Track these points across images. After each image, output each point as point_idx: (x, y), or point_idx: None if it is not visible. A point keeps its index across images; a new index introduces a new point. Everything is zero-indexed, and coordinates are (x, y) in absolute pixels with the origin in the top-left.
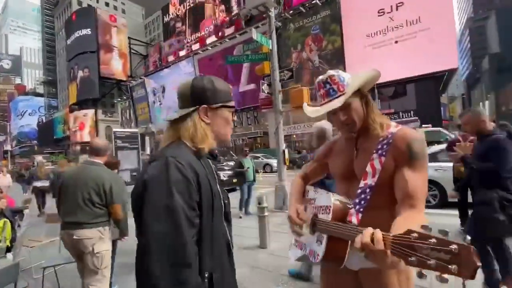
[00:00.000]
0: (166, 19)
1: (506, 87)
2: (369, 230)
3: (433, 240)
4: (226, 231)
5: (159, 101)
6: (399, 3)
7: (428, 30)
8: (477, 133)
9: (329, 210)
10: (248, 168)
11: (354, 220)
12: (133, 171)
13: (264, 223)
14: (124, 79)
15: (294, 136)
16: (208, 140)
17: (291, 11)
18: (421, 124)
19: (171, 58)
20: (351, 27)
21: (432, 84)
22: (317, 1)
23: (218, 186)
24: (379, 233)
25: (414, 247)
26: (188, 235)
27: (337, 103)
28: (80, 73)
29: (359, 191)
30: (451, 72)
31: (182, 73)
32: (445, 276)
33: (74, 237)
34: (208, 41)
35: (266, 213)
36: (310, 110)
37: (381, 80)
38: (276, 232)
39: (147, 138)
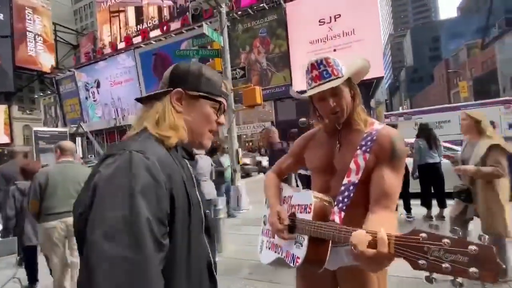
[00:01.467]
0: (103, 5)
1: (417, 95)
2: (362, 232)
3: (447, 240)
4: (208, 250)
5: (93, 97)
6: (337, 15)
7: (362, 41)
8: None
9: (310, 209)
10: (228, 166)
11: (336, 218)
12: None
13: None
14: (49, 71)
15: (245, 136)
16: (179, 130)
17: (239, 12)
18: None
19: (108, 50)
20: (296, 33)
21: (363, 90)
22: (265, 5)
23: (198, 193)
24: (384, 234)
25: (423, 249)
26: (154, 263)
27: (331, 84)
28: None
29: (342, 188)
30: (378, 80)
31: (121, 67)
32: (460, 280)
33: (70, 221)
34: (152, 34)
35: (221, 216)
36: (296, 93)
37: None
38: (231, 234)
39: (78, 139)
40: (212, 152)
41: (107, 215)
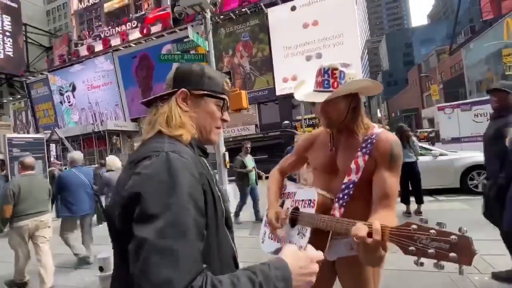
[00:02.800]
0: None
1: (393, 97)
2: (361, 223)
3: (433, 231)
4: (231, 241)
5: (68, 101)
6: (316, 21)
7: (341, 46)
8: None
9: (314, 204)
10: (254, 167)
11: (337, 213)
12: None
13: None
14: (18, 74)
15: (231, 139)
16: (187, 127)
17: (221, 16)
18: None
19: (84, 52)
20: (278, 38)
21: None
22: (247, 10)
23: (216, 187)
24: (377, 224)
25: (413, 238)
26: (199, 253)
27: (319, 98)
28: None
29: (343, 186)
30: None
31: (99, 70)
32: (442, 263)
33: (41, 220)
34: (131, 37)
35: None
36: (298, 93)
37: None
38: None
39: (52, 145)
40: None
41: (155, 212)
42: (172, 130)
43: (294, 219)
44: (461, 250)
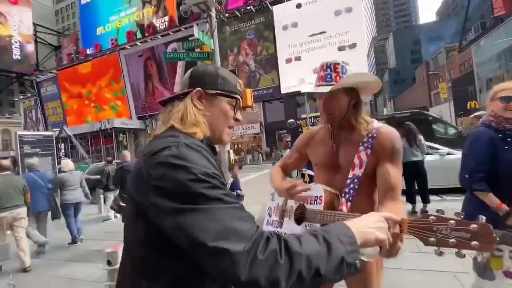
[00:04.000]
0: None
1: (400, 96)
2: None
3: (453, 221)
4: None
5: None
6: (323, 18)
7: (347, 44)
8: None
9: (321, 200)
10: None
11: (344, 208)
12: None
13: None
14: (28, 72)
15: (233, 137)
16: (201, 125)
17: (226, 14)
18: None
19: (91, 51)
20: (283, 36)
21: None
22: (252, 8)
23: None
24: (395, 217)
25: (433, 229)
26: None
27: (324, 89)
28: None
29: (348, 181)
30: None
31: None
32: (463, 251)
33: (17, 212)
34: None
35: None
36: (304, 87)
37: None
38: None
39: (62, 145)
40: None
41: (192, 192)
42: (187, 127)
43: (300, 216)
44: (482, 238)
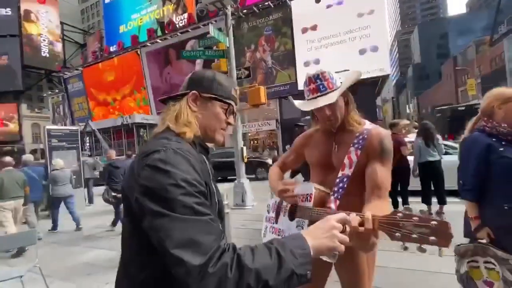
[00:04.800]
0: None
1: (425, 92)
2: (354, 214)
3: (416, 218)
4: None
5: None
6: (342, 11)
7: (368, 39)
8: None
9: (311, 197)
10: None
11: (333, 206)
12: (72, 174)
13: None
14: (56, 69)
15: (249, 134)
16: (192, 126)
17: (244, 10)
18: None
19: (114, 49)
20: (301, 31)
21: (369, 88)
22: (270, 3)
23: (212, 182)
24: (369, 214)
25: (399, 225)
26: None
27: (331, 98)
28: None
29: (337, 180)
30: (384, 78)
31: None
32: (424, 246)
33: (17, 202)
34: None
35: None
36: (300, 104)
37: None
38: (236, 228)
39: (87, 138)
40: None
41: (168, 197)
42: (179, 127)
43: (293, 212)
44: (440, 234)
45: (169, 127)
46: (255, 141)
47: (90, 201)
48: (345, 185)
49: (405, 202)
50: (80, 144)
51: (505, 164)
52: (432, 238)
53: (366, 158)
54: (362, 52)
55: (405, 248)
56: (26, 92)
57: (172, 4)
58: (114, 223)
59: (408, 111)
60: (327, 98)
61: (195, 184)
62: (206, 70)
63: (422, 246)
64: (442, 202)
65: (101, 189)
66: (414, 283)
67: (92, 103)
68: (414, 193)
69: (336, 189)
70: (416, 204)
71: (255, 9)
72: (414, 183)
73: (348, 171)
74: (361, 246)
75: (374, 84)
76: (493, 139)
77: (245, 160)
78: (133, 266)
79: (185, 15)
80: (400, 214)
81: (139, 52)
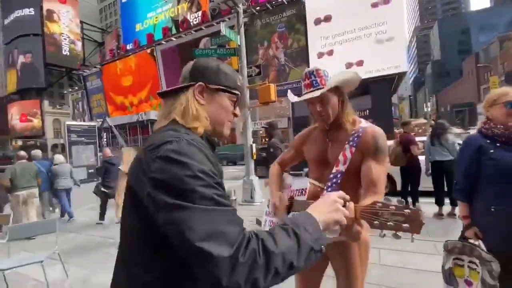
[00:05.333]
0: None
1: (444, 90)
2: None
3: (392, 207)
4: None
5: None
6: (357, 6)
7: (384, 35)
8: None
9: (305, 192)
10: None
11: None
12: (90, 168)
13: None
14: (76, 67)
15: (261, 131)
16: (202, 120)
17: (258, 7)
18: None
19: (130, 47)
20: (315, 27)
21: (385, 86)
22: (283, 0)
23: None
24: (351, 204)
25: (378, 213)
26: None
27: (315, 93)
28: (21, 58)
29: (331, 176)
30: (401, 75)
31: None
32: (399, 233)
33: (31, 191)
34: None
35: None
36: (291, 96)
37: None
38: (244, 224)
39: (104, 134)
40: None
41: (186, 188)
42: (188, 121)
43: (289, 206)
44: (412, 221)
45: (176, 120)
46: (267, 139)
47: None
48: (339, 181)
49: (415, 202)
50: (97, 139)
51: (492, 166)
52: (405, 225)
53: (361, 156)
54: (377, 49)
55: (384, 235)
56: (48, 89)
57: (187, 2)
58: (102, 216)
59: (425, 109)
60: (314, 93)
61: (212, 175)
62: (208, 59)
63: (397, 233)
64: (453, 203)
65: None
66: (418, 283)
67: (111, 108)
68: (428, 194)
69: (329, 184)
70: (427, 205)
71: (268, 6)
72: (428, 183)
73: (342, 167)
74: (347, 235)
75: (389, 81)
76: (487, 141)
77: (254, 157)
78: (137, 266)
79: (199, 13)
80: (379, 204)
81: (155, 54)
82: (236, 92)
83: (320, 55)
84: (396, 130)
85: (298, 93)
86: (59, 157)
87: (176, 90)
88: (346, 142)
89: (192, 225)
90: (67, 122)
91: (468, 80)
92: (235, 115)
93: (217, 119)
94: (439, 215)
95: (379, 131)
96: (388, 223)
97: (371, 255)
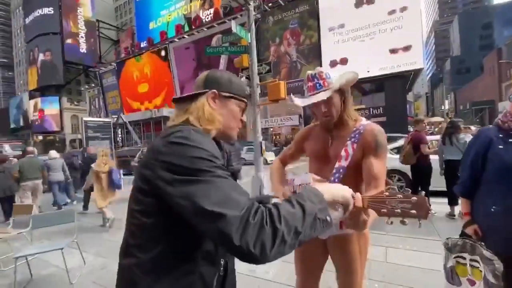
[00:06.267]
0: None
1: (462, 88)
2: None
3: (400, 195)
4: None
5: None
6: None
7: (399, 30)
8: None
9: None
10: None
11: None
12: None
13: None
14: (93, 65)
15: (271, 129)
16: (215, 123)
17: (270, 4)
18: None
19: (144, 44)
20: (328, 23)
21: (399, 83)
22: None
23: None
24: (359, 195)
25: (385, 202)
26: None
27: (323, 95)
28: (41, 56)
29: (334, 171)
30: (417, 72)
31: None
32: (406, 220)
33: (36, 182)
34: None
35: None
36: (297, 100)
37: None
38: None
39: (119, 130)
40: None
41: (196, 167)
42: (203, 124)
43: None
44: (419, 207)
45: (189, 121)
46: (277, 136)
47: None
48: (341, 176)
49: None
50: (112, 135)
51: (496, 162)
52: (413, 211)
53: (361, 152)
54: (392, 46)
55: (391, 223)
56: (66, 86)
57: (200, 0)
58: (85, 207)
59: (443, 107)
60: (320, 96)
61: (219, 159)
62: (220, 71)
63: (404, 219)
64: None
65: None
66: (425, 282)
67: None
68: (442, 194)
69: (332, 178)
70: (439, 205)
71: (280, 2)
72: (441, 183)
73: (344, 163)
74: (353, 224)
75: (404, 78)
76: (500, 135)
77: (264, 154)
78: (133, 247)
79: (211, 10)
80: (386, 193)
81: (169, 57)
82: (245, 100)
83: (333, 52)
84: (410, 128)
85: (298, 92)
86: (51, 153)
87: (190, 96)
88: (348, 138)
89: (204, 194)
90: (84, 118)
91: (488, 77)
92: (242, 121)
93: (228, 124)
94: (451, 215)
95: (378, 128)
96: (396, 210)
97: (378, 253)
